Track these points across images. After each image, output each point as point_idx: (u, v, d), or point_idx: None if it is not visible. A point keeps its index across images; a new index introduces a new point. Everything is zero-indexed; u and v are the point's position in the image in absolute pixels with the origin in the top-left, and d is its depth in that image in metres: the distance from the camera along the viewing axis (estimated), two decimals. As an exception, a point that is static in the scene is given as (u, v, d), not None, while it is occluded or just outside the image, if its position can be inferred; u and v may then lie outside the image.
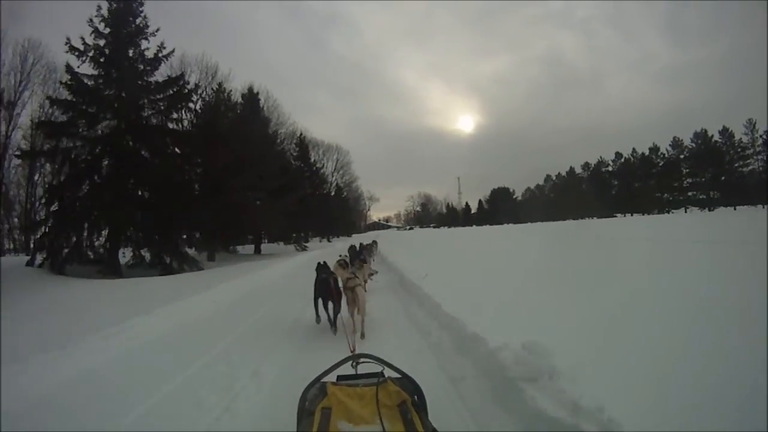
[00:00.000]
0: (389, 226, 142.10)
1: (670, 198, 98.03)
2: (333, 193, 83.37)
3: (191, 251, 28.71)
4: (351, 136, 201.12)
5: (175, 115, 28.23)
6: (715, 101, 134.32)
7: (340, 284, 8.71)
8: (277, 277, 18.67)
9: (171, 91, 27.08)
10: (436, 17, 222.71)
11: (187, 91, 28.65)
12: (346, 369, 2.79)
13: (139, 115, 25.84)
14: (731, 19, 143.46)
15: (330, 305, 8.40)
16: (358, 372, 2.84)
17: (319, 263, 9.57)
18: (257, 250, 43.00)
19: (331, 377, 2.68)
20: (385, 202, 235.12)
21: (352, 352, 3.34)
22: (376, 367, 2.68)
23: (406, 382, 2.57)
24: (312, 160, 72.35)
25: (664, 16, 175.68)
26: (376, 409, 2.33)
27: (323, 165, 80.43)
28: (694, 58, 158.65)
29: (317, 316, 8.60)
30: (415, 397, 2.48)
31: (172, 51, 27.16)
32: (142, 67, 25.94)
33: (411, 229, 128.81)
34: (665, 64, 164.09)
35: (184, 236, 29.15)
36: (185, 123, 33.36)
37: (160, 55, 26.42)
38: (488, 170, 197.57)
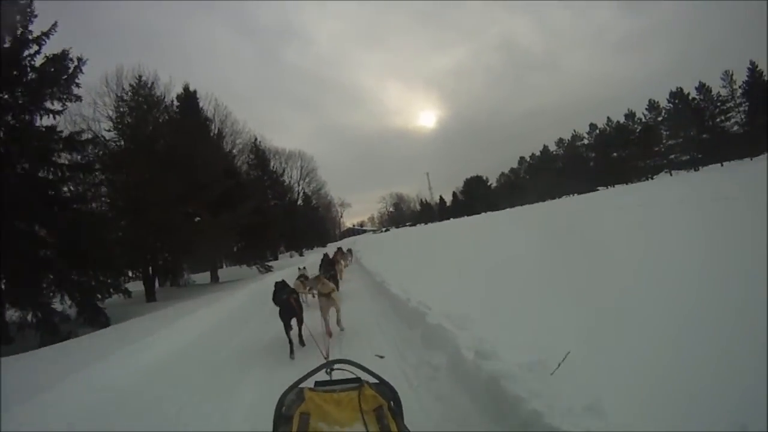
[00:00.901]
0: (364, 231, 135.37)
1: (651, 164, 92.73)
2: (301, 203, 76.81)
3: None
4: (315, 146, 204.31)
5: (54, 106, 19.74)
6: (679, 63, 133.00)
7: (303, 298, 10.56)
8: (222, 320, 13.72)
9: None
10: (386, 17, 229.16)
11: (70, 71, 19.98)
12: (324, 375, 2.73)
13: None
14: None
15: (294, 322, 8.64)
16: (335, 378, 2.76)
17: (276, 283, 9.59)
18: (214, 278, 35.55)
19: (309, 383, 2.60)
20: (358, 207, 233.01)
21: (326, 358, 3.98)
22: (353, 373, 2.68)
23: (383, 388, 2.53)
24: (272, 167, 65.36)
25: None
26: (357, 413, 2.30)
27: (286, 173, 73.99)
28: (649, 23, 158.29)
29: (291, 348, 8.31)
30: (391, 402, 2.42)
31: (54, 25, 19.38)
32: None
33: (387, 230, 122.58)
34: (622, 33, 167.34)
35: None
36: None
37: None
38: (458, 163, 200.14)
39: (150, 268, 26.82)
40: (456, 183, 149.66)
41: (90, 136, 23.74)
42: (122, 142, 26.67)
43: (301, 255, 58.90)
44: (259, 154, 60.47)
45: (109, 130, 26.83)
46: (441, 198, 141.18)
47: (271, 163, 65.00)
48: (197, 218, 27.40)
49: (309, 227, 71.23)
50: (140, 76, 28.42)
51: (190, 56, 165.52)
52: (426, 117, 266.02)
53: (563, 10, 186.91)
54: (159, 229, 24.86)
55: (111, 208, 25.65)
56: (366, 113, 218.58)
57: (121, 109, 27.30)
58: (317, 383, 2.65)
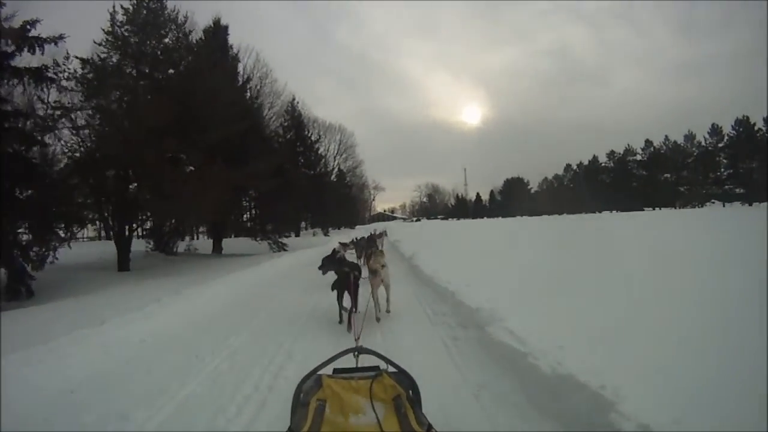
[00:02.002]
0: (395, 218, 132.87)
1: (703, 191, 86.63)
2: (334, 178, 71.05)
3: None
4: (356, 127, 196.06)
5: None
6: (728, 96, 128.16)
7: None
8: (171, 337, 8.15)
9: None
10: (442, 8, 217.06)
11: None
12: (345, 362, 2.44)
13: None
14: (740, 13, 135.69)
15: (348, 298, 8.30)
16: (357, 365, 2.57)
17: (327, 256, 10.21)
18: (217, 248, 29.30)
19: (327, 370, 2.43)
20: (391, 193, 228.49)
21: (356, 340, 3.40)
22: (374, 361, 2.51)
23: (402, 377, 2.35)
24: (308, 133, 58.75)
25: (674, 11, 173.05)
26: (375, 401, 2.17)
27: (323, 145, 67.84)
28: (704, 52, 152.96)
29: (341, 313, 8.21)
30: (410, 392, 2.27)
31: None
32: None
33: (418, 220, 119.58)
34: (673, 58, 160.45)
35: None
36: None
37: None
38: (496, 162, 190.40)
39: (124, 225, 20.27)
40: (492, 182, 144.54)
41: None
42: (113, 59, 20.34)
43: (326, 234, 52.11)
44: (295, 116, 54.40)
45: (100, 44, 20.35)
46: (477, 195, 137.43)
47: (308, 131, 59.09)
48: (190, 166, 20.80)
49: (339, 205, 64.90)
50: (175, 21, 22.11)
51: (238, 19, 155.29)
52: (469, 112, 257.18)
53: (623, 27, 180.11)
54: (135, 173, 19.59)
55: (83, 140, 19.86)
56: (410, 101, 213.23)
57: (117, 20, 20.72)
58: (335, 370, 2.46)
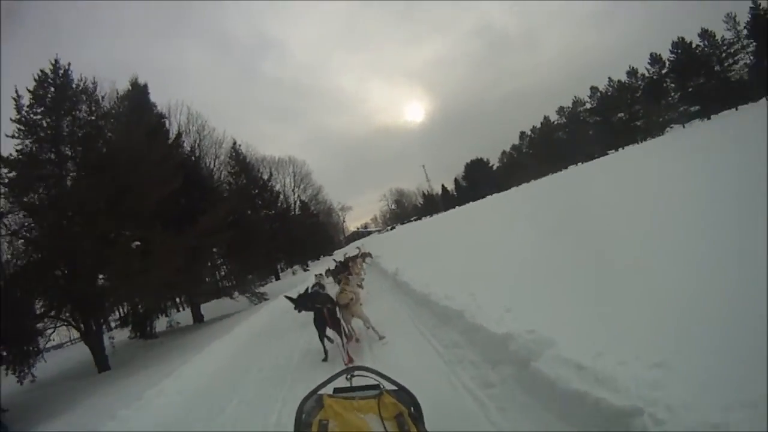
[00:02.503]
0: (370, 232, 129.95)
1: (661, 120, 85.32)
2: (298, 212, 69.29)
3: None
4: (308, 155, 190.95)
5: None
6: (658, 25, 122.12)
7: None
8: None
9: None
10: (358, 17, 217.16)
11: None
12: (343, 382, 2.75)
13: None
14: None
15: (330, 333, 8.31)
16: (355, 385, 2.75)
17: (299, 295, 9.71)
18: (197, 317, 27.39)
19: (328, 390, 2.62)
20: (360, 210, 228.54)
21: (346, 364, 4.12)
22: (372, 380, 2.65)
23: (403, 394, 2.53)
24: (259, 174, 57.37)
25: None
26: (377, 420, 2.30)
27: (278, 181, 66.36)
28: None
29: (325, 350, 8.24)
30: (412, 408, 2.44)
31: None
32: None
33: (393, 228, 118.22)
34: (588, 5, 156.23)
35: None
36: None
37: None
38: (453, 151, 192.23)
39: (88, 322, 18.18)
40: (455, 171, 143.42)
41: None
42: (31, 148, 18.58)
43: (305, 269, 50.70)
44: (240, 160, 53.22)
45: (12, 136, 18.29)
46: (443, 187, 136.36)
47: (259, 171, 57.95)
48: (135, 242, 18.84)
49: (310, 236, 63.23)
50: (55, 62, 19.74)
51: (165, 76, 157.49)
52: (413, 111, 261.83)
53: None
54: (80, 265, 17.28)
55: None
56: (352, 115, 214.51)
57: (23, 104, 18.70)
58: (336, 390, 2.65)
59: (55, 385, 16.91)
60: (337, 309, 8.42)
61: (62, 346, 29.24)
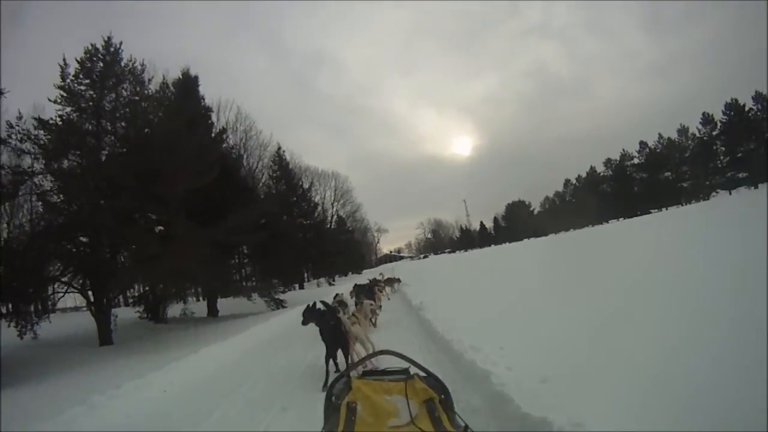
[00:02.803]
0: (401, 257, 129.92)
1: (707, 183, 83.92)
2: (334, 225, 69.35)
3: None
4: (351, 173, 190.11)
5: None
6: (713, 84, 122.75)
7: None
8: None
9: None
10: (417, 44, 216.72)
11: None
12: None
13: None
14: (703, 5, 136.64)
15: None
16: (385, 369, 2.67)
17: (308, 307, 8.96)
18: (212, 311, 27.60)
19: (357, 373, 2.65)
20: (395, 234, 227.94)
21: (364, 367, 3.77)
22: (401, 366, 2.56)
23: (433, 381, 2.42)
24: (299, 182, 57.44)
25: (639, 13, 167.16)
26: (406, 404, 2.21)
27: (318, 193, 66.78)
28: (677, 47, 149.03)
29: (327, 374, 7.69)
30: (442, 396, 2.32)
31: None
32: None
33: (426, 257, 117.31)
34: (648, 58, 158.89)
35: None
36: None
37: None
38: (495, 189, 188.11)
39: (100, 295, 18.20)
40: (495, 209, 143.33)
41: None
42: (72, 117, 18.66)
43: (331, 284, 50.38)
44: (283, 165, 53.38)
45: (54, 101, 18.39)
46: (482, 224, 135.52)
47: (299, 180, 58.10)
48: (158, 227, 18.64)
49: (342, 251, 62.80)
50: (108, 38, 19.85)
51: (219, 75, 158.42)
52: (460, 144, 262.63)
53: (592, 36, 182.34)
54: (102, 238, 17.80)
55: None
56: (400, 140, 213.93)
57: (68, 73, 18.82)
58: (365, 373, 2.64)
59: (53, 348, 16.88)
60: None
61: (78, 310, 29.30)
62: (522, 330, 8.48)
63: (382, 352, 2.70)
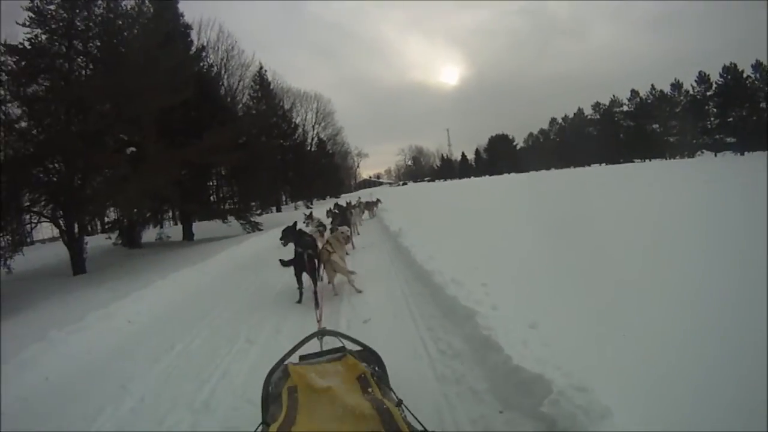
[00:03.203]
0: (381, 183, 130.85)
1: (694, 141, 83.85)
2: (314, 149, 68.23)
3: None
4: (335, 96, 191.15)
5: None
6: (715, 45, 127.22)
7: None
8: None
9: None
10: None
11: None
12: (309, 348, 2.70)
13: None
14: None
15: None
16: (323, 349, 2.80)
17: (288, 227, 9.44)
18: (187, 235, 26.94)
19: (294, 358, 2.62)
20: (375, 159, 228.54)
21: (318, 322, 3.80)
22: (339, 343, 2.71)
23: (367, 354, 2.58)
24: (280, 102, 56.15)
25: None
26: (341, 382, 2.22)
27: (299, 115, 65.62)
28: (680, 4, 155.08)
29: (300, 292, 8.06)
30: (376, 368, 2.45)
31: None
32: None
33: (405, 184, 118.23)
34: (649, 9, 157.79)
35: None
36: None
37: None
38: (479, 122, 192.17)
39: (71, 222, 17.65)
40: (477, 141, 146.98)
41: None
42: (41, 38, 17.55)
43: (309, 206, 48.74)
44: (264, 85, 51.86)
45: (23, 24, 17.06)
46: (463, 155, 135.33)
47: (280, 100, 56.83)
48: (129, 148, 18.38)
49: (321, 174, 62.12)
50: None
51: None
52: (447, 73, 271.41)
53: None
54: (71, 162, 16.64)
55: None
56: (386, 66, 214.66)
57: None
58: (301, 357, 2.66)
59: (25, 281, 16.23)
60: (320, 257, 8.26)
61: (56, 241, 28.77)
62: (503, 268, 8.15)
63: (319, 333, 2.83)
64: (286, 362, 2.43)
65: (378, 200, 24.54)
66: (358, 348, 2.61)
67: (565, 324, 5.08)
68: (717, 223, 10.89)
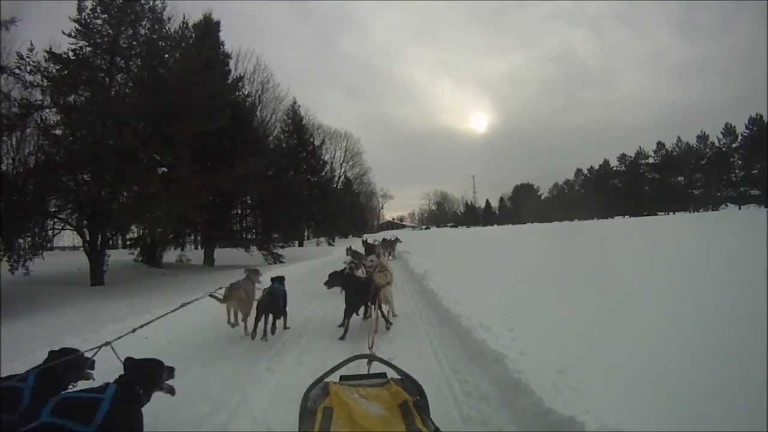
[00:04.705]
0: (404, 226, 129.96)
1: (718, 194, 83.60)
2: (341, 186, 68.54)
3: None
4: (363, 135, 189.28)
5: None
6: (741, 95, 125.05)
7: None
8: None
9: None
10: (446, 14, 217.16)
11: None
12: (350, 370, 2.64)
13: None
14: (746, 11, 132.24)
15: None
16: (362, 373, 2.75)
17: (334, 272, 9.51)
18: (208, 260, 26.75)
19: (334, 378, 2.55)
20: (399, 201, 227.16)
21: (370, 349, 3.45)
22: (379, 369, 2.68)
23: (408, 383, 2.50)
24: (310, 138, 56.28)
25: (675, 13, 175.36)
26: (382, 409, 2.24)
27: (328, 152, 66.35)
28: (709, 52, 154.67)
29: (346, 328, 8.12)
30: (417, 397, 2.40)
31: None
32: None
33: (427, 228, 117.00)
34: (678, 59, 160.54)
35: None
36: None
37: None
38: (504, 169, 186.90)
39: (95, 234, 17.87)
40: (502, 189, 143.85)
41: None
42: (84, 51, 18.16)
43: (330, 244, 49.66)
44: (296, 120, 52.35)
45: (69, 34, 17.79)
46: (487, 202, 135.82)
47: (311, 136, 57.12)
48: (162, 168, 18.72)
49: (345, 213, 62.19)
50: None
51: (242, 28, 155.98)
52: (476, 120, 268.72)
53: (625, 30, 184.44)
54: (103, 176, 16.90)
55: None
56: (416, 108, 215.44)
57: (85, 6, 18.14)
58: (342, 377, 2.60)
59: (42, 285, 16.33)
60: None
61: (77, 250, 28.95)
62: (530, 315, 8.15)
63: (360, 356, 2.78)
64: (326, 380, 2.43)
65: (397, 238, 24.41)
66: (399, 376, 2.57)
67: (592, 371, 5.11)
68: (741, 276, 10.82)
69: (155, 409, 4.73)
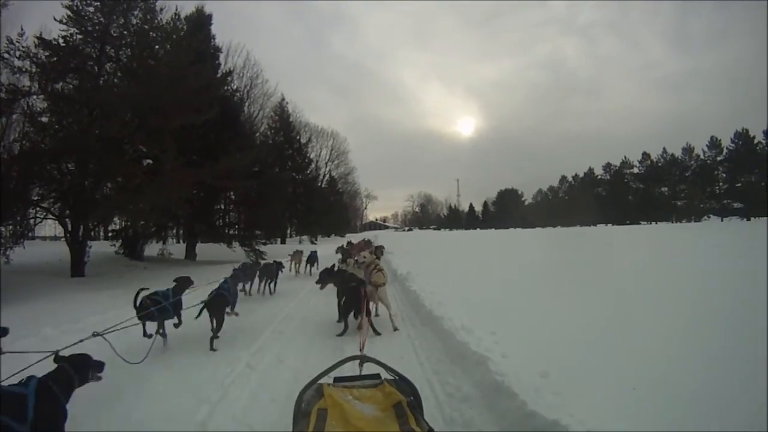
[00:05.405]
0: (387, 227, 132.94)
1: (701, 205, 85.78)
2: (325, 185, 68.11)
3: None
4: (349, 135, 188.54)
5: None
6: (725, 108, 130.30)
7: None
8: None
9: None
10: (438, 18, 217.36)
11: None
12: (343, 371, 2.55)
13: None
14: (737, 24, 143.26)
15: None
16: (355, 374, 2.71)
17: (325, 269, 9.94)
18: (190, 254, 26.94)
19: (328, 379, 2.51)
20: (383, 203, 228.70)
21: (361, 350, 3.42)
22: (373, 369, 2.65)
23: (402, 384, 2.45)
24: (297, 135, 56.04)
25: (666, 25, 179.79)
26: (376, 410, 2.22)
27: (314, 150, 66.01)
28: (699, 65, 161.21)
29: (345, 324, 8.20)
30: (411, 397, 2.34)
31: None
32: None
33: (410, 230, 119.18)
34: (669, 71, 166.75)
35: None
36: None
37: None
38: (489, 174, 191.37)
39: (77, 225, 17.60)
40: (487, 193, 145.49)
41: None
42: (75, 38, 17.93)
43: (313, 242, 49.52)
44: (284, 117, 52.25)
45: (60, 20, 17.61)
46: (471, 206, 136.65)
47: (297, 133, 56.94)
48: (147, 160, 18.65)
49: (329, 212, 61.83)
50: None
51: (234, 23, 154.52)
52: (463, 124, 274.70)
53: (616, 40, 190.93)
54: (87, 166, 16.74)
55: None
56: (403, 110, 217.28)
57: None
58: (336, 379, 2.54)
59: (22, 274, 15.94)
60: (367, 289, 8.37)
61: (58, 240, 28.65)
62: (511, 318, 8.19)
63: (354, 357, 2.72)
64: (320, 382, 2.41)
65: (382, 246, 22.72)
66: (393, 377, 2.54)
67: (575, 375, 5.14)
68: (723, 285, 11.29)
69: (136, 402, 5.12)
